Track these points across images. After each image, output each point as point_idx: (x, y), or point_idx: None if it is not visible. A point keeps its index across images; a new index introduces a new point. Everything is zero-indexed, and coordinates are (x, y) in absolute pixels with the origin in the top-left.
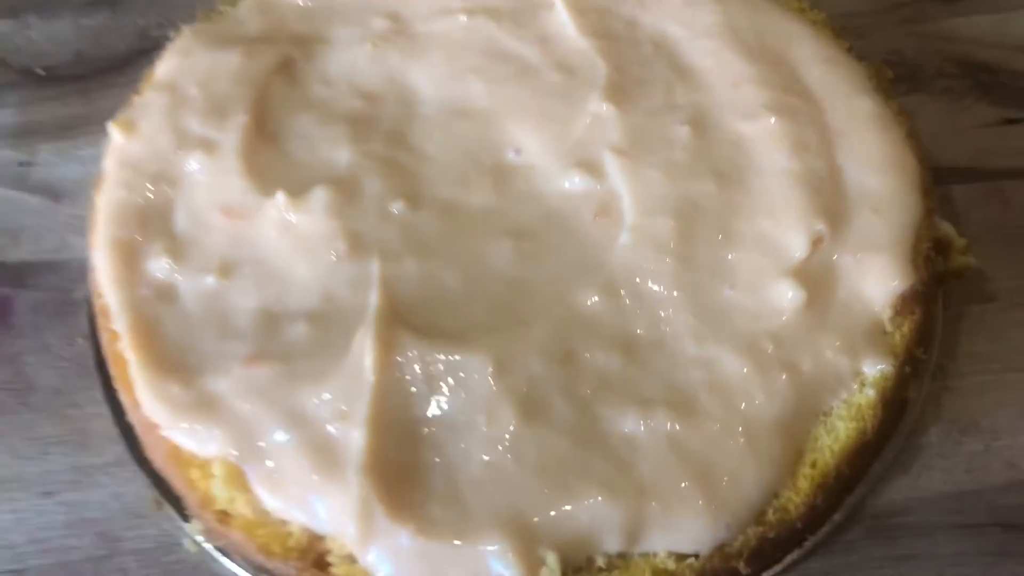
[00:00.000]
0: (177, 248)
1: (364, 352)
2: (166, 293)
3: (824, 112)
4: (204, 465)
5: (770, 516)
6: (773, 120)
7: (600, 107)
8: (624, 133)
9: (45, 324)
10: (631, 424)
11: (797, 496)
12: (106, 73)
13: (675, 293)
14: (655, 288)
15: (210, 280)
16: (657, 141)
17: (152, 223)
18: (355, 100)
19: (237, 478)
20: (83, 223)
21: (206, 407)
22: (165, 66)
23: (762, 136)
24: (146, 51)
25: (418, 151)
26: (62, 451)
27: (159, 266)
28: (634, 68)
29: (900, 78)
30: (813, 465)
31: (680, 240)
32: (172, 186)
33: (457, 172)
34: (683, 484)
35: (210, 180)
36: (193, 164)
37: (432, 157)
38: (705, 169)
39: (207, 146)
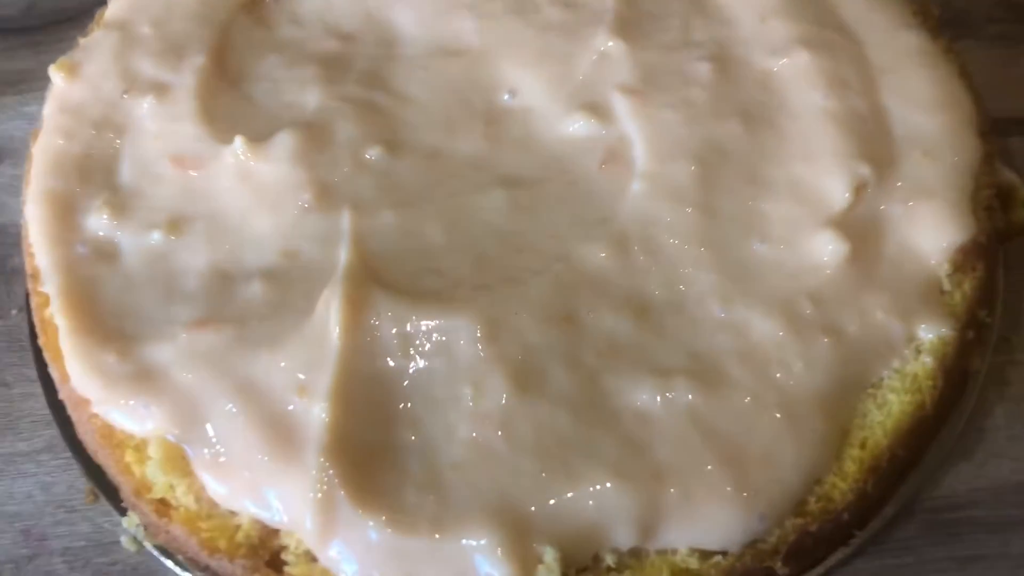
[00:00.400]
0: (120, 201)
1: (329, 313)
2: (105, 251)
3: (864, 47)
4: (140, 446)
5: (812, 506)
6: (806, 55)
7: (607, 43)
8: (635, 70)
9: None
10: (645, 397)
11: (843, 482)
12: (59, 25)
13: (697, 248)
14: (673, 242)
15: (156, 236)
16: (673, 79)
17: (93, 174)
18: (329, 41)
19: (178, 461)
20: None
21: (144, 379)
22: (116, 3)
23: (793, 73)
24: (103, 1)
25: (398, 93)
26: None
27: (99, 222)
28: (645, 1)
29: (945, 24)
30: (862, 445)
31: (702, 188)
32: (118, 133)
33: (443, 116)
34: (708, 467)
35: (161, 126)
36: (142, 109)
37: (414, 100)
38: (729, 109)
39: (159, 90)
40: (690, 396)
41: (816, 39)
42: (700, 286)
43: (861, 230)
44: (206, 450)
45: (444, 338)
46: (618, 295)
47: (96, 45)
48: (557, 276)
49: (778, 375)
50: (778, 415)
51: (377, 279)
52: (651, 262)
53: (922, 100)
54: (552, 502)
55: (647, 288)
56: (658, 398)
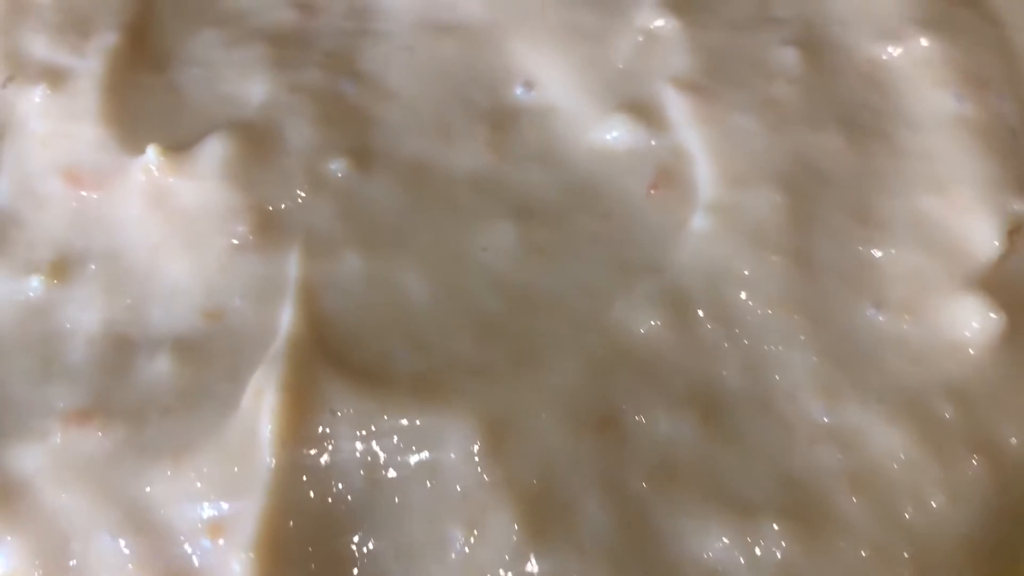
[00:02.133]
0: None
1: (260, 409)
2: None
3: (1007, 29)
4: None
5: None
6: (928, 41)
7: (656, 20)
8: (695, 58)
9: None
10: (717, 546)
11: None
12: None
13: (787, 314)
14: (753, 306)
15: (35, 283)
16: (748, 70)
17: None
18: (284, 10)
19: None
20: None
21: (3, 498)
22: None
23: (912, 66)
24: None
25: (373, 82)
26: None
27: None
28: None
29: None
30: None
31: (792, 226)
32: None
33: (432, 116)
34: None
35: (52, 128)
36: (30, 103)
37: (394, 92)
38: (826, 114)
39: (54, 77)
40: (783, 545)
41: (942, 18)
42: (793, 373)
43: (1019, 293)
44: None
45: (427, 451)
46: (676, 385)
47: None
48: (590, 355)
49: (908, 512)
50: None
51: (331, 357)
52: (723, 334)
53: None
54: None
55: (718, 375)
56: (736, 550)
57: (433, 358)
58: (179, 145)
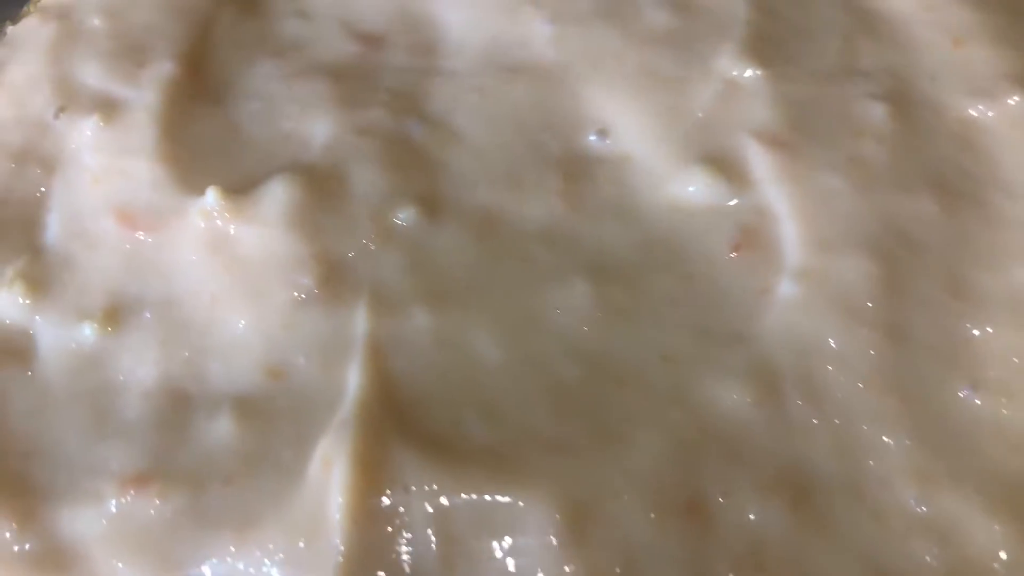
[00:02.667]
0: (42, 273)
1: (330, 481)
2: (16, 348)
3: None
4: None
5: None
6: (1019, 99)
7: (738, 68)
8: (778, 111)
9: None
10: None
11: None
12: None
13: (880, 394)
14: (843, 381)
15: (88, 331)
16: (834, 126)
17: (8, 228)
18: (347, 43)
19: None
20: None
21: (54, 565)
22: None
23: (1008, 127)
24: None
25: (441, 125)
26: None
27: (10, 301)
28: (789, 8)
29: None
30: None
31: (884, 297)
32: (46, 170)
33: (504, 163)
34: None
35: (105, 162)
36: (82, 136)
37: (464, 136)
38: (917, 176)
39: (108, 108)
40: None
41: None
42: (886, 457)
43: None
44: None
45: (504, 533)
46: (765, 467)
47: (26, 38)
48: (674, 432)
49: None
50: None
51: (402, 424)
52: (813, 412)
53: None
54: None
55: (807, 456)
56: None
57: (508, 429)
58: (240, 187)
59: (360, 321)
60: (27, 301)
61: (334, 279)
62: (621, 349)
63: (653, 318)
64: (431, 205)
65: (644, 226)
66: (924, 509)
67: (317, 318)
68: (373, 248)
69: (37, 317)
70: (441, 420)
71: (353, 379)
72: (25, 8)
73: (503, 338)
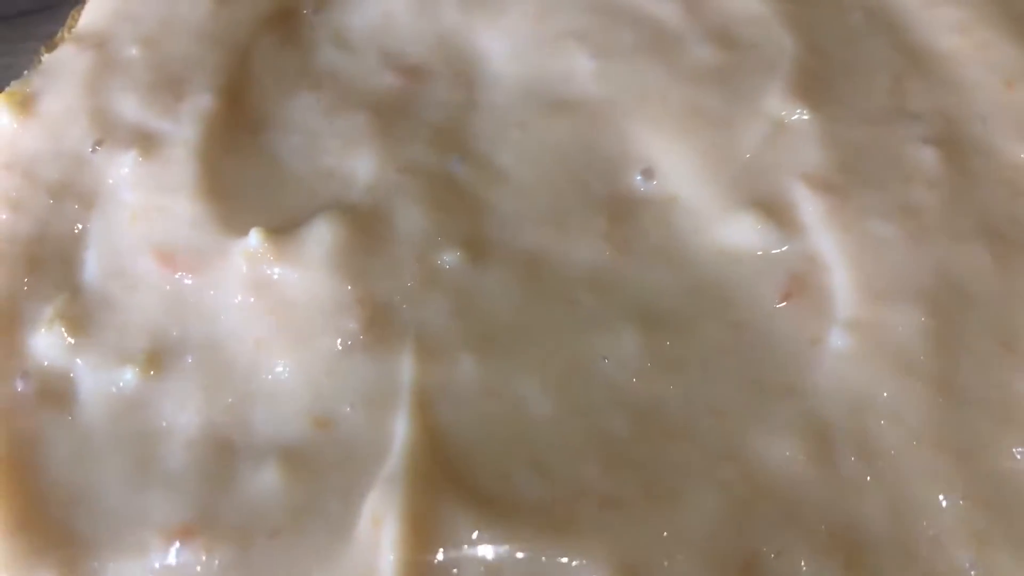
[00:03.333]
0: (82, 312)
1: (380, 536)
2: (57, 391)
3: None
4: None
5: None
6: None
7: (786, 108)
8: (827, 153)
9: None
10: None
11: None
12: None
13: (931, 451)
14: (896, 438)
15: (129, 375)
16: (884, 170)
17: (46, 265)
18: (386, 74)
19: None
20: None
21: None
22: (94, 9)
23: None
24: None
25: (484, 163)
26: None
27: (51, 341)
28: (837, 46)
29: None
30: None
31: (937, 350)
32: (84, 206)
33: (548, 203)
34: None
35: (143, 199)
36: (121, 171)
37: (507, 175)
38: (969, 224)
39: (146, 142)
40: None
41: None
42: (939, 516)
43: None
44: None
45: None
46: (819, 526)
47: (62, 68)
48: (727, 489)
49: None
50: None
51: (451, 479)
52: (866, 469)
53: None
54: None
55: (861, 515)
56: None
57: (559, 485)
58: (282, 227)
59: (406, 368)
60: (70, 340)
61: (379, 323)
62: (670, 401)
63: (702, 369)
64: (475, 247)
65: (691, 271)
66: (977, 572)
67: (363, 364)
68: (418, 291)
69: (78, 359)
70: (491, 473)
71: (401, 429)
72: (59, 33)
73: (551, 388)
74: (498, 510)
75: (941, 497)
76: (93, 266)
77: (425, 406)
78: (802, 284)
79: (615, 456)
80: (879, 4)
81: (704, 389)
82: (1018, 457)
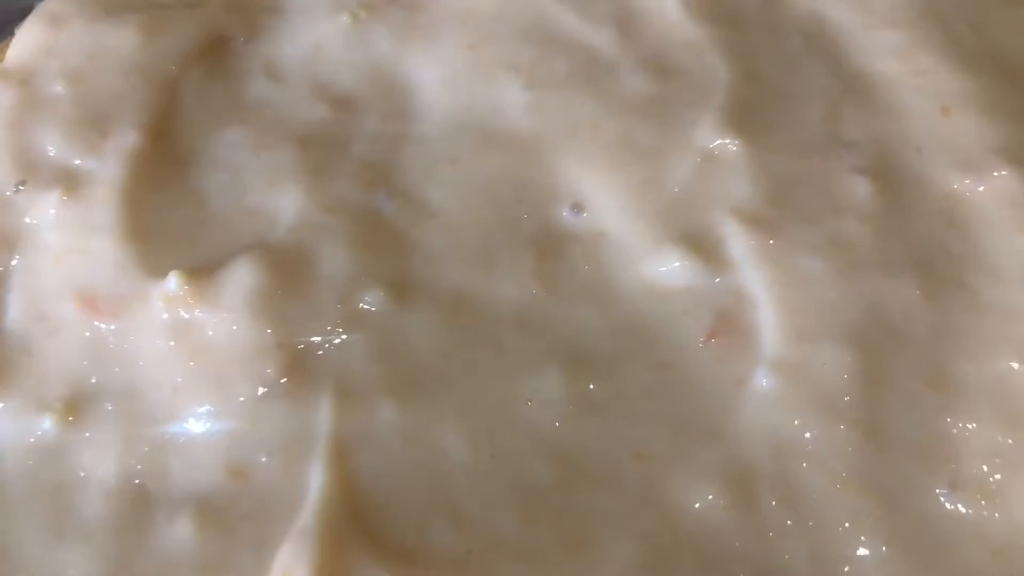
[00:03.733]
0: (1, 357)
1: None
2: None
3: None
4: None
5: None
6: (1010, 176)
7: (717, 138)
8: (758, 186)
9: None
10: None
11: None
12: None
13: (855, 495)
14: (819, 482)
15: (47, 423)
16: (816, 202)
17: None
18: (316, 105)
19: None
20: None
21: None
22: (20, 44)
23: (995, 204)
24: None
25: (414, 199)
26: None
27: None
28: (774, 73)
29: None
30: None
31: (863, 392)
32: (6, 247)
33: (477, 240)
34: None
35: (66, 241)
36: (44, 212)
37: (436, 211)
38: (900, 258)
39: (70, 181)
40: None
41: None
42: (862, 564)
43: None
44: None
45: None
46: (738, 573)
47: None
48: (645, 538)
49: None
50: None
51: (364, 532)
52: (788, 514)
53: None
54: None
55: (782, 563)
56: None
57: (475, 536)
58: (203, 268)
59: (325, 415)
60: None
61: (299, 369)
62: (594, 446)
63: (627, 412)
64: (401, 288)
65: (619, 309)
66: None
67: (281, 412)
68: (340, 335)
69: None
70: (406, 526)
71: (316, 480)
72: None
73: (472, 435)
74: (411, 564)
75: (863, 541)
76: (15, 310)
77: (343, 455)
78: (729, 322)
79: (534, 505)
80: (818, 28)
81: (627, 433)
82: (941, 499)
